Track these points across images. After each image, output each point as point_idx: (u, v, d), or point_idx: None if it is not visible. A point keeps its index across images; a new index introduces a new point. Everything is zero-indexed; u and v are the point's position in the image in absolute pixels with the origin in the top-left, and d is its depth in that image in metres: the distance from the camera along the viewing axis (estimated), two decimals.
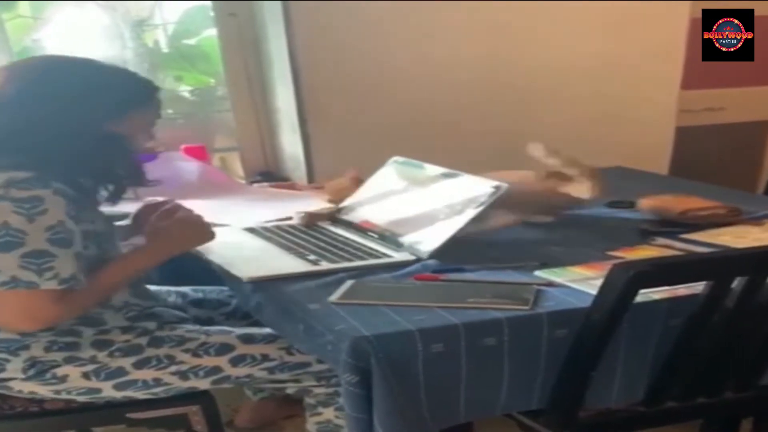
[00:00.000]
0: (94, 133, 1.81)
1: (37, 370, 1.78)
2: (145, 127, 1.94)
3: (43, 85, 1.80)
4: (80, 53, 2.01)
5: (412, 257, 1.94)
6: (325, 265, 1.90)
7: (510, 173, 2.17)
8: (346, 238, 2.12)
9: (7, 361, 1.78)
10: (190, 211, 2.03)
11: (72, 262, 1.71)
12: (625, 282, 1.47)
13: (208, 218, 2.25)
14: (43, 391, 1.81)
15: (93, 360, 1.80)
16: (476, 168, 2.22)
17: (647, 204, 2.28)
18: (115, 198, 1.94)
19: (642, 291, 1.53)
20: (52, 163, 1.73)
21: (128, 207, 2.27)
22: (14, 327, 1.76)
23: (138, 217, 2.09)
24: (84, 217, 1.78)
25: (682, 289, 1.63)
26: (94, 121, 1.81)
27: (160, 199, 2.14)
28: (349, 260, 1.94)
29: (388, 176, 2.35)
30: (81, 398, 1.82)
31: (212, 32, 3.05)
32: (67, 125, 1.78)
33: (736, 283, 1.56)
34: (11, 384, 1.80)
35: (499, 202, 2.02)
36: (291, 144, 3.01)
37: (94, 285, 1.78)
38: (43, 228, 1.68)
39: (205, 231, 1.98)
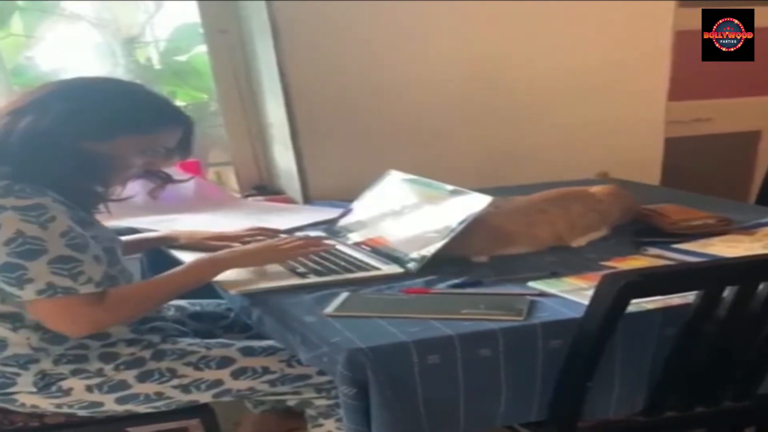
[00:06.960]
0: (65, 149, 1.73)
1: (45, 382, 1.78)
2: (142, 152, 1.85)
3: (41, 100, 1.75)
4: (74, 71, 1.97)
5: (400, 270, 1.96)
6: (313, 279, 1.92)
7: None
8: (338, 251, 2.13)
9: (18, 375, 1.78)
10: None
11: (96, 264, 1.70)
12: (616, 292, 1.47)
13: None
14: (45, 404, 1.81)
15: (99, 373, 1.80)
16: (470, 178, 2.23)
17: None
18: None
19: (635, 301, 1.54)
20: (26, 173, 1.68)
21: (135, 222, 2.30)
22: (64, 332, 1.75)
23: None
24: (85, 230, 1.76)
25: (676, 299, 1.63)
26: (68, 137, 1.73)
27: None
28: (338, 273, 1.95)
29: (385, 190, 2.36)
30: (82, 412, 1.82)
31: (203, 49, 3.06)
32: (42, 138, 1.71)
33: (728, 293, 1.57)
34: (16, 397, 1.80)
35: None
36: (284, 158, 3.02)
37: (141, 288, 1.84)
38: (58, 234, 1.65)
39: (280, 251, 1.99)
